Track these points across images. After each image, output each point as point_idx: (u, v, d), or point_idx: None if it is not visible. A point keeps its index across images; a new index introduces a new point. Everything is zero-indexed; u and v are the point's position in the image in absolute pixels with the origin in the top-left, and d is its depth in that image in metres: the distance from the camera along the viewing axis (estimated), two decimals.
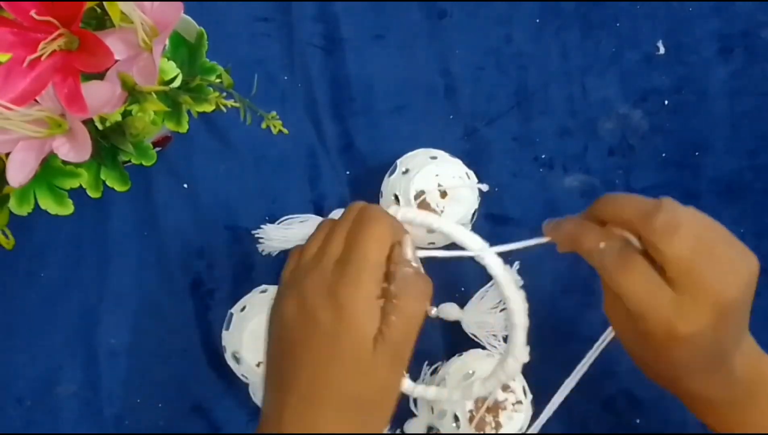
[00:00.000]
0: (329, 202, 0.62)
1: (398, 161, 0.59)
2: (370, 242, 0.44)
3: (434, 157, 0.59)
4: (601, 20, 0.66)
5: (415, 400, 0.58)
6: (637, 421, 0.62)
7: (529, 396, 0.57)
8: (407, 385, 0.47)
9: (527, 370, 0.60)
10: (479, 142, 0.64)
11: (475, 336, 0.58)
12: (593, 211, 0.44)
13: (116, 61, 0.46)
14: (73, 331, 0.61)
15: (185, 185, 0.63)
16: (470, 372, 0.56)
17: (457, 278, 0.62)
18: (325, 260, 0.45)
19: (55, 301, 0.62)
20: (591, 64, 0.66)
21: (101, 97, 0.46)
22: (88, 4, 0.46)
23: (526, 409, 0.56)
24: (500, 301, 0.57)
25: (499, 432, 0.55)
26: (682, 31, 0.66)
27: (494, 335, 0.58)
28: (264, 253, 0.61)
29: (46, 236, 0.62)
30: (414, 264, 0.45)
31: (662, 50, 0.66)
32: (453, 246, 0.50)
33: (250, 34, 0.64)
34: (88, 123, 0.47)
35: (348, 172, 0.63)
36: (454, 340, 0.60)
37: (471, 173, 0.59)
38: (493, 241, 0.63)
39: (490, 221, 0.63)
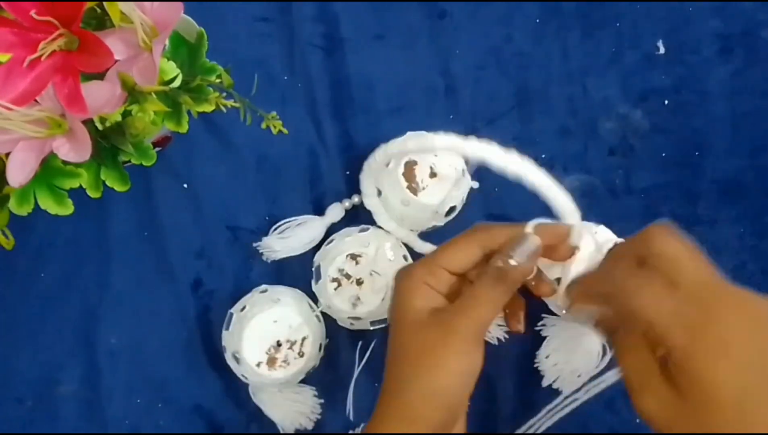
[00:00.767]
0: (329, 202, 0.62)
1: (408, 133, 0.59)
2: (445, 247, 0.49)
3: None
4: (602, 20, 0.66)
5: None
6: (638, 421, 0.62)
7: None
8: None
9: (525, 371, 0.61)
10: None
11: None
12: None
13: (116, 61, 0.46)
14: (74, 331, 0.61)
15: (185, 185, 0.63)
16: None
17: None
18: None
19: (55, 301, 0.62)
20: (591, 64, 0.65)
21: (101, 98, 0.46)
22: (88, 4, 0.46)
23: None
24: None
25: None
26: (682, 31, 0.66)
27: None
28: (268, 261, 0.61)
29: (46, 236, 0.62)
30: (513, 259, 0.46)
31: (662, 50, 0.66)
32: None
33: (250, 34, 0.64)
34: (88, 123, 0.47)
35: (348, 172, 0.63)
36: None
37: (467, 173, 0.59)
38: None
39: (491, 221, 0.63)
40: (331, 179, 0.63)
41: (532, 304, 0.58)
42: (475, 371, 0.46)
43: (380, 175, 0.58)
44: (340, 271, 0.58)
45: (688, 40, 0.66)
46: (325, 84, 0.64)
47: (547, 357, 0.59)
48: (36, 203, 0.50)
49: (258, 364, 0.56)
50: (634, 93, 0.65)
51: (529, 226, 0.48)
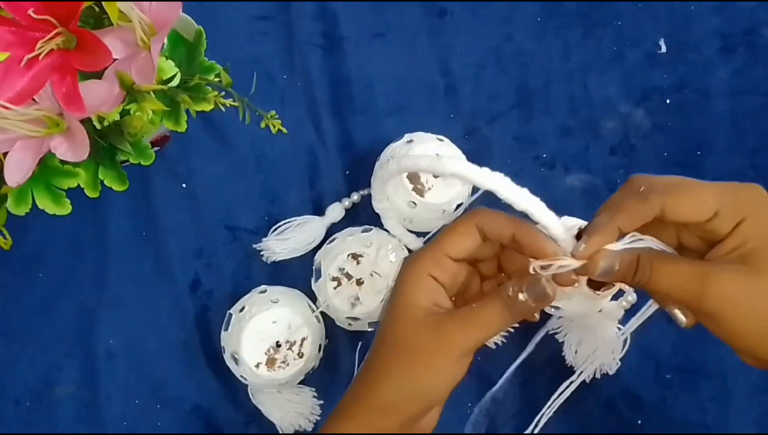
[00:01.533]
0: (329, 201, 0.62)
1: (406, 134, 0.59)
2: (445, 233, 0.47)
3: (441, 140, 0.59)
4: (603, 19, 0.66)
5: None
6: (639, 421, 0.61)
7: None
8: None
9: (526, 369, 0.60)
10: (480, 142, 0.64)
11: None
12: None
13: (114, 60, 0.46)
14: (72, 331, 0.61)
15: (184, 185, 0.63)
16: None
17: None
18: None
19: (53, 301, 0.61)
20: (592, 63, 0.65)
21: (99, 96, 0.46)
22: (86, 3, 0.46)
23: None
24: None
25: None
26: (683, 30, 0.66)
27: None
28: (268, 262, 0.61)
29: (44, 236, 0.62)
30: (523, 297, 0.45)
31: (664, 49, 0.66)
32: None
33: (250, 32, 0.64)
34: (86, 122, 0.47)
35: (348, 172, 0.63)
36: None
37: None
38: None
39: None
40: (331, 178, 0.63)
41: None
42: (460, 379, 0.46)
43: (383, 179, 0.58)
44: (341, 270, 0.57)
45: (689, 39, 0.66)
46: (324, 83, 0.64)
47: (576, 353, 0.59)
48: (34, 203, 0.50)
49: (257, 365, 0.56)
50: (636, 92, 0.65)
51: (542, 264, 0.46)
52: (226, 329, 0.58)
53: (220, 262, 0.62)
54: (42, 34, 0.46)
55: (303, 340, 0.57)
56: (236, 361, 0.57)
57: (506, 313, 0.45)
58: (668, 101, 0.65)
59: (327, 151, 0.64)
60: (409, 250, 0.60)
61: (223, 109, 0.52)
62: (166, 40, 0.49)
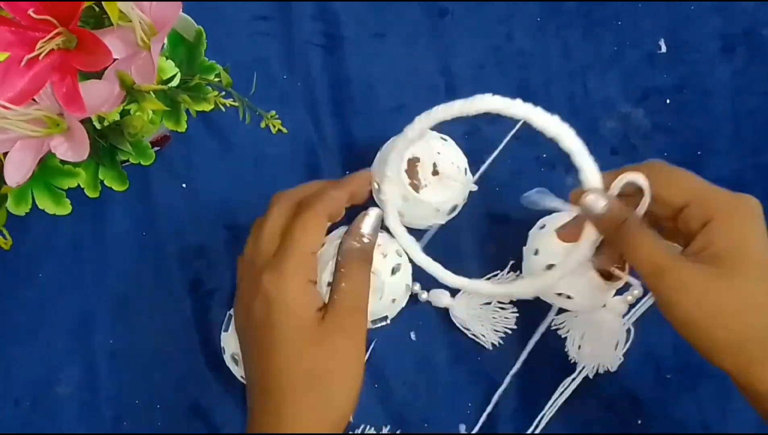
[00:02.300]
0: None
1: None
2: (296, 230, 0.46)
3: (444, 139, 0.59)
4: (603, 19, 0.66)
5: None
6: (639, 422, 0.62)
7: None
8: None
9: (525, 369, 0.60)
10: (481, 141, 0.64)
11: (462, 326, 0.59)
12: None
13: (114, 60, 0.46)
14: (72, 331, 0.61)
15: (184, 185, 0.63)
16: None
17: (456, 266, 0.62)
18: (257, 257, 0.47)
19: (53, 301, 0.61)
20: (592, 63, 0.65)
21: (99, 96, 0.46)
22: (86, 3, 0.46)
23: None
24: (490, 300, 0.58)
25: None
26: (684, 30, 0.66)
27: (482, 325, 0.59)
28: None
29: (44, 236, 0.62)
30: (366, 237, 0.48)
31: (664, 49, 0.66)
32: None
33: (250, 32, 0.64)
34: (87, 122, 0.47)
35: (348, 172, 0.63)
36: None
37: (470, 172, 0.59)
38: (493, 240, 0.63)
39: (491, 220, 0.63)
40: (331, 178, 0.63)
41: (525, 309, 0.59)
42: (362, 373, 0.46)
43: (381, 169, 0.58)
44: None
45: (689, 39, 0.66)
46: (324, 83, 0.64)
47: (579, 348, 0.59)
48: (34, 203, 0.50)
49: None
50: (636, 92, 0.65)
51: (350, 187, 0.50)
52: (226, 330, 0.58)
53: (221, 262, 0.62)
54: (42, 34, 0.46)
55: None
56: (236, 361, 0.57)
57: (367, 265, 0.48)
58: (668, 101, 0.65)
59: (327, 151, 0.63)
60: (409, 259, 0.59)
61: (223, 109, 0.52)
62: (166, 40, 0.49)
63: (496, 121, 0.64)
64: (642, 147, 0.64)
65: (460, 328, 0.60)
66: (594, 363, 0.59)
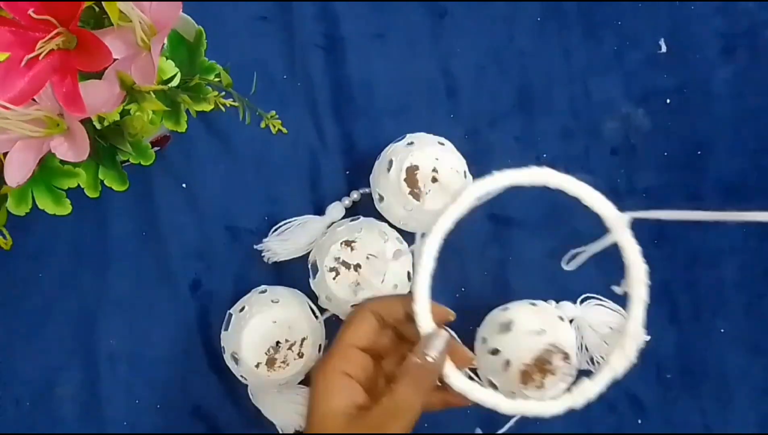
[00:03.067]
0: (329, 201, 0.62)
1: (408, 134, 0.59)
2: (344, 328, 0.49)
3: (442, 144, 0.59)
4: (603, 19, 0.66)
5: None
6: (639, 421, 0.61)
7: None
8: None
9: None
10: (481, 142, 0.64)
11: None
12: None
13: (115, 60, 0.46)
14: (72, 332, 0.61)
15: (184, 185, 0.63)
16: (539, 329, 0.56)
17: (457, 278, 0.62)
18: None
19: (53, 302, 0.61)
20: (593, 64, 0.65)
21: (99, 97, 0.46)
22: (86, 3, 0.46)
23: (570, 380, 0.56)
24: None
25: (543, 392, 0.55)
26: (684, 31, 0.66)
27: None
28: (269, 262, 0.61)
29: (45, 237, 0.62)
30: (430, 356, 0.46)
31: (664, 49, 0.66)
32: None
33: (250, 33, 0.64)
34: (87, 122, 0.47)
35: (348, 172, 0.63)
36: None
37: (469, 175, 0.59)
38: (494, 241, 0.63)
39: (492, 222, 0.63)
40: (331, 179, 0.63)
41: None
42: None
43: (382, 181, 0.58)
44: (337, 259, 0.57)
45: (690, 40, 0.66)
46: (325, 83, 0.64)
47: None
48: (34, 203, 0.50)
49: (257, 365, 0.56)
50: (636, 93, 0.65)
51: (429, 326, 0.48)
52: (227, 329, 0.58)
53: (221, 263, 0.62)
54: (42, 34, 0.46)
55: (303, 340, 0.57)
56: (236, 361, 0.57)
57: (420, 385, 0.45)
58: (669, 101, 0.65)
59: (327, 152, 0.63)
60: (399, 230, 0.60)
61: (223, 109, 0.52)
62: (166, 41, 0.49)
63: (496, 122, 0.65)
64: (642, 147, 0.64)
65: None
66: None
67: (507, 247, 0.63)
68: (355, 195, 0.62)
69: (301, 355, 0.57)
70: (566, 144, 0.64)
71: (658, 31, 0.65)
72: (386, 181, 0.58)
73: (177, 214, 0.62)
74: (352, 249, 0.57)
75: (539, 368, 0.55)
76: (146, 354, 0.61)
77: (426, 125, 0.62)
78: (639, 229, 0.63)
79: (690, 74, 0.65)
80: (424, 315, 0.47)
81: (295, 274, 0.61)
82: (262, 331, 0.56)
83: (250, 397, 0.59)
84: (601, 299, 0.60)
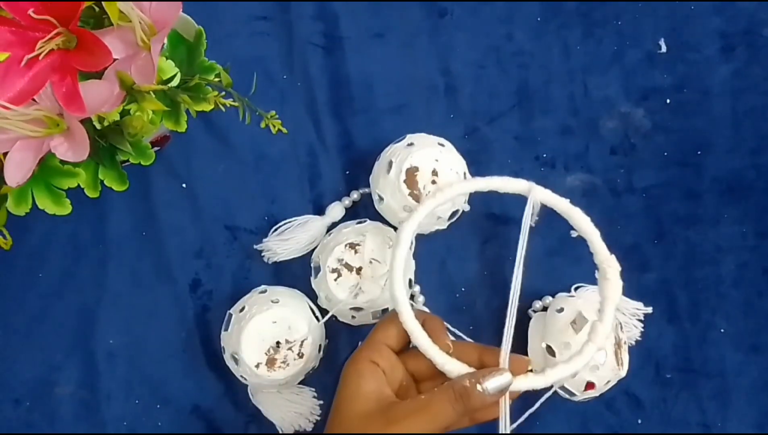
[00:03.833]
0: (329, 201, 0.62)
1: (408, 135, 0.59)
2: (376, 328, 0.50)
3: (442, 145, 0.59)
4: (603, 19, 0.66)
5: None
6: (639, 421, 0.62)
7: None
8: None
9: None
10: (480, 141, 0.64)
11: None
12: None
13: (114, 60, 0.46)
14: (72, 331, 0.61)
15: (184, 185, 0.63)
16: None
17: (457, 278, 0.62)
18: None
19: (53, 301, 0.61)
20: (592, 63, 0.65)
21: (99, 97, 0.46)
22: (86, 3, 0.46)
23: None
24: None
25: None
26: (684, 30, 0.66)
27: None
28: (269, 262, 0.61)
29: (44, 236, 0.62)
30: (486, 388, 0.46)
31: (664, 49, 0.66)
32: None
33: (250, 32, 0.64)
34: (86, 122, 0.47)
35: (348, 172, 0.63)
36: None
37: (469, 176, 0.59)
38: (493, 240, 0.63)
39: (491, 221, 0.63)
40: (331, 178, 0.63)
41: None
42: None
43: (381, 181, 0.58)
44: (340, 260, 0.57)
45: (689, 39, 0.66)
46: (324, 83, 0.64)
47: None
48: (34, 203, 0.50)
49: (257, 365, 0.56)
50: (636, 92, 0.65)
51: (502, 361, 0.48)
52: (226, 329, 0.58)
53: (221, 262, 0.62)
54: (42, 34, 0.46)
55: (303, 340, 0.57)
56: (236, 361, 0.57)
57: (459, 405, 0.45)
58: (668, 101, 0.65)
59: (327, 151, 0.63)
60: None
61: (223, 109, 0.52)
62: (166, 40, 0.49)
63: (495, 121, 0.65)
64: (642, 146, 0.64)
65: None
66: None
67: (507, 246, 0.63)
68: (355, 195, 0.62)
69: (301, 355, 0.57)
70: (566, 143, 0.64)
71: (658, 30, 0.66)
72: (386, 182, 0.58)
73: (177, 214, 0.62)
74: (355, 252, 0.57)
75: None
76: (146, 353, 0.61)
77: (425, 124, 0.63)
78: (638, 228, 0.64)
79: (689, 74, 0.65)
80: (435, 352, 0.48)
81: (295, 274, 0.61)
82: (262, 331, 0.56)
83: (250, 396, 0.59)
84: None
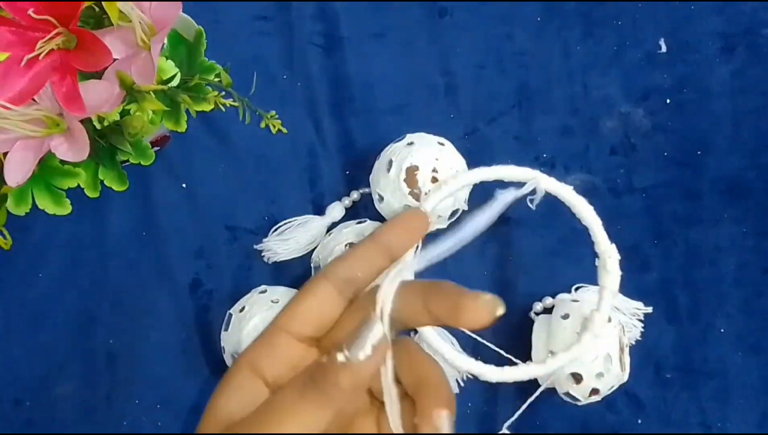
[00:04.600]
0: (329, 201, 0.62)
1: (408, 134, 0.59)
2: (286, 304, 0.35)
3: (442, 144, 0.59)
4: (603, 18, 0.66)
5: None
6: (639, 421, 0.61)
7: None
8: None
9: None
10: (480, 141, 0.64)
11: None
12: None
13: (114, 60, 0.46)
14: (72, 331, 0.61)
15: (184, 185, 0.63)
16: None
17: (456, 278, 0.62)
18: None
19: (53, 301, 0.61)
20: (592, 63, 0.65)
21: (99, 97, 0.46)
22: (86, 3, 0.46)
23: None
24: None
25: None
26: (684, 30, 0.66)
27: None
28: (269, 262, 0.61)
29: (44, 236, 0.61)
30: (352, 355, 0.30)
31: (664, 48, 0.66)
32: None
33: (250, 32, 0.64)
34: (87, 122, 0.47)
35: (348, 172, 0.63)
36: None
37: None
38: (493, 240, 0.63)
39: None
40: (331, 178, 0.63)
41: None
42: None
43: (382, 181, 0.58)
44: None
45: (689, 39, 0.66)
46: (324, 83, 0.64)
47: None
48: (34, 203, 0.50)
49: None
50: (636, 92, 0.65)
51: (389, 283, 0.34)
52: (226, 329, 0.58)
53: (221, 263, 0.62)
54: (42, 34, 0.46)
55: None
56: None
57: (313, 393, 0.30)
58: (668, 101, 0.65)
59: (327, 151, 0.63)
60: None
61: (223, 109, 0.52)
62: (166, 40, 0.49)
63: (495, 121, 0.65)
64: (642, 146, 0.64)
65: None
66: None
67: (507, 245, 0.63)
68: (355, 195, 0.62)
69: None
70: (566, 143, 0.64)
71: (658, 30, 0.66)
72: (386, 181, 0.58)
73: (177, 214, 0.62)
74: None
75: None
76: (146, 354, 0.61)
77: (425, 124, 0.62)
78: (638, 228, 0.64)
79: (689, 73, 0.65)
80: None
81: (296, 274, 0.61)
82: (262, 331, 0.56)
83: None
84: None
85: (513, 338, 0.60)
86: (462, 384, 0.60)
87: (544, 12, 0.66)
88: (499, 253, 0.63)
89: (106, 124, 0.48)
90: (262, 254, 0.61)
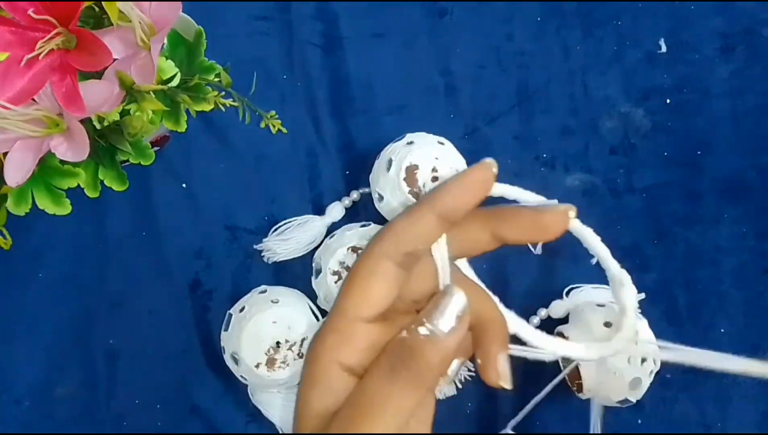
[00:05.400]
0: (328, 201, 0.62)
1: (408, 134, 0.59)
2: (347, 286, 0.33)
3: (441, 144, 0.59)
4: (603, 18, 0.66)
5: None
6: (639, 421, 0.61)
7: None
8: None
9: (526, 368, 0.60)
10: (480, 141, 0.64)
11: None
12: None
13: (114, 60, 0.46)
14: (72, 331, 0.61)
15: (184, 185, 0.63)
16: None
17: None
18: None
19: (53, 301, 0.61)
20: (592, 63, 0.65)
21: (99, 97, 0.46)
22: (86, 3, 0.46)
23: None
24: None
25: None
26: (684, 30, 0.66)
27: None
28: (269, 262, 0.61)
29: (44, 236, 0.61)
30: (435, 329, 0.30)
31: (664, 49, 0.66)
32: None
33: (249, 32, 0.64)
34: (86, 122, 0.47)
35: (348, 172, 0.63)
36: None
37: None
38: None
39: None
40: (331, 178, 0.63)
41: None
42: None
43: (381, 180, 0.58)
44: (341, 263, 0.57)
45: (689, 39, 0.66)
46: (324, 83, 0.64)
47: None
48: (34, 203, 0.50)
49: (257, 365, 0.56)
50: (636, 92, 0.65)
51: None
52: (226, 329, 0.58)
53: (220, 263, 0.62)
54: (42, 34, 0.46)
55: (303, 340, 0.57)
56: (236, 361, 0.57)
57: (400, 379, 0.30)
58: (668, 101, 0.65)
59: (327, 151, 0.63)
60: None
61: (223, 109, 0.52)
62: (166, 40, 0.49)
63: (495, 121, 0.65)
64: (642, 146, 0.64)
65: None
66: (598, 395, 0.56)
67: (506, 246, 0.63)
68: (355, 195, 0.62)
69: (301, 355, 0.57)
70: (565, 143, 0.64)
71: (658, 30, 0.66)
72: (386, 181, 0.58)
73: (177, 214, 0.62)
74: (358, 255, 0.57)
75: None
76: (145, 354, 0.61)
77: (425, 124, 0.62)
78: (638, 228, 0.64)
79: (689, 73, 0.65)
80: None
81: (295, 274, 0.61)
82: (262, 331, 0.56)
83: (250, 397, 0.59)
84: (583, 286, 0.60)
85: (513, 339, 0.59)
86: (460, 386, 0.60)
87: (544, 12, 0.66)
88: (499, 252, 0.62)
89: (105, 124, 0.48)
90: (262, 254, 0.61)
